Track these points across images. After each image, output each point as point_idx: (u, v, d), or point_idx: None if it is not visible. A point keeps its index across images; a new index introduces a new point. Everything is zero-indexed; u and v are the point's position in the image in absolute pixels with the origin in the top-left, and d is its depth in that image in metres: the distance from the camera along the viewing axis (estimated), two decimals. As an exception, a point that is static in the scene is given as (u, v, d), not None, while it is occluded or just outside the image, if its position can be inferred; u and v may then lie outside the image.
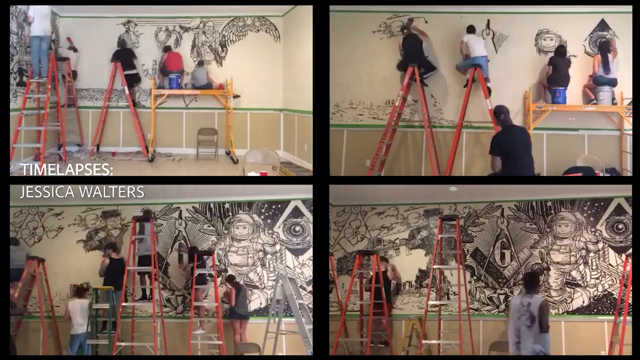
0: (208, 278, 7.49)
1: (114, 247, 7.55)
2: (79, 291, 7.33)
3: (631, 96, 7.46)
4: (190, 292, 7.25)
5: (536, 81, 7.96)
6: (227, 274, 7.64)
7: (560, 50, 7.70)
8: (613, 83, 7.56)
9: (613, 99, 7.64)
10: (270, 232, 7.80)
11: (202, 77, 9.99)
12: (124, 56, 9.93)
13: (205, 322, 7.51)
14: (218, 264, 7.77)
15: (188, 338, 7.08)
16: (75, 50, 9.84)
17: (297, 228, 7.78)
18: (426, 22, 8.05)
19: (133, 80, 10.03)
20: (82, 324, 7.11)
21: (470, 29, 7.84)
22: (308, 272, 7.63)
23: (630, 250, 7.08)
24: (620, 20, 7.79)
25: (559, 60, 7.65)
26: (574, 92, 7.78)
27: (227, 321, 7.36)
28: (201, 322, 7.48)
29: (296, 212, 7.80)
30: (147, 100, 10.36)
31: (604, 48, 7.60)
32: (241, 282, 7.55)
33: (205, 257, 7.51)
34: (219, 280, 7.44)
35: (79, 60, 9.98)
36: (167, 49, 10.10)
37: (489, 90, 7.53)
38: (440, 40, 8.11)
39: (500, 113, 5.39)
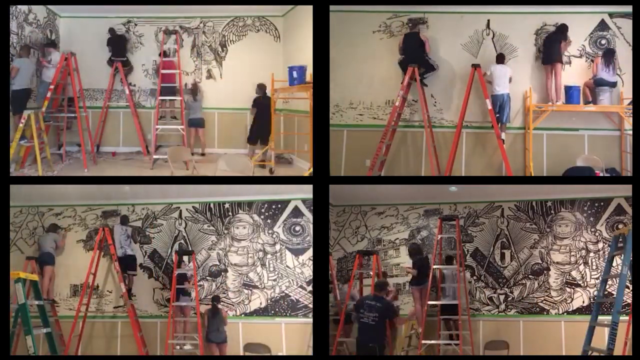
0: (190, 279, 7.41)
1: None
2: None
3: (631, 96, 7.46)
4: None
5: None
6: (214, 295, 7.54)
7: (561, 28, 7.64)
8: (614, 85, 7.55)
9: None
10: (270, 232, 7.80)
11: (198, 109, 9.99)
12: (116, 43, 10.03)
13: (189, 323, 7.45)
14: (218, 263, 7.78)
15: (166, 338, 7.08)
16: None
17: (297, 228, 7.78)
18: (426, 22, 8.05)
19: (124, 67, 10.09)
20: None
21: (500, 59, 7.70)
22: (308, 272, 7.63)
23: None
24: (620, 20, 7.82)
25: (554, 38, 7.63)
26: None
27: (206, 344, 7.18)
28: (185, 322, 7.46)
29: (296, 212, 7.79)
30: (147, 100, 10.39)
31: (609, 53, 7.60)
32: (220, 307, 7.32)
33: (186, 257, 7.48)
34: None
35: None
36: (165, 54, 10.03)
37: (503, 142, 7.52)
38: (440, 40, 8.11)
39: None
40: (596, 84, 7.57)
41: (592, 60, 7.74)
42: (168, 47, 10.09)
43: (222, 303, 7.48)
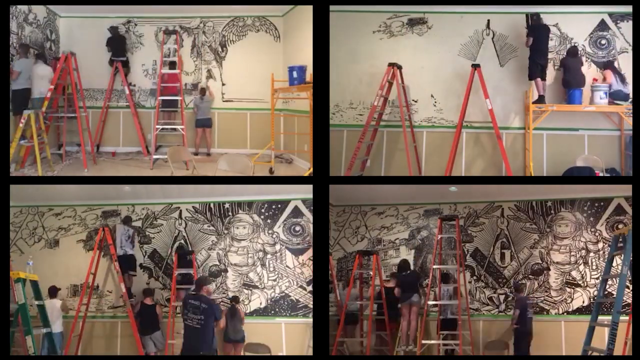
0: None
1: (149, 292, 7.45)
2: (53, 291, 7.27)
3: (631, 96, 7.45)
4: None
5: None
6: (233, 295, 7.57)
7: (572, 51, 7.66)
8: (627, 98, 7.50)
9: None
10: (270, 232, 7.80)
11: (206, 110, 10.04)
12: (116, 43, 10.06)
13: None
14: (218, 263, 7.78)
15: (166, 338, 7.06)
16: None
17: (297, 228, 7.77)
18: (426, 22, 8.06)
19: (124, 67, 10.11)
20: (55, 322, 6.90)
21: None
22: (308, 272, 7.63)
23: None
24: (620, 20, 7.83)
25: (571, 61, 7.62)
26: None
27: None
28: None
29: (296, 212, 7.79)
30: (147, 100, 10.39)
31: (613, 65, 7.60)
32: (238, 306, 7.35)
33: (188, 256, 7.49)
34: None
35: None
36: (172, 65, 9.90)
37: None
38: (440, 40, 8.11)
39: None
40: (612, 97, 7.46)
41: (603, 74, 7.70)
42: (168, 47, 10.09)
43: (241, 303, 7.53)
